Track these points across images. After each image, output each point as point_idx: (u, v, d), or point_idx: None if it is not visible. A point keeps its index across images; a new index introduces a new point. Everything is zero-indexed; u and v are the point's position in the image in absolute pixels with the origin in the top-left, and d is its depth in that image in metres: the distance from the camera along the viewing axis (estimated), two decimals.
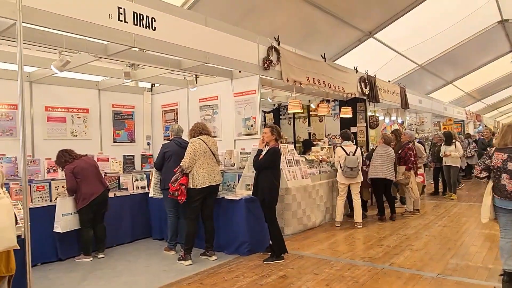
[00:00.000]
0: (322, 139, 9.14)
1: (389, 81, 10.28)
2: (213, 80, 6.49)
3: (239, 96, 6.25)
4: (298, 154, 8.22)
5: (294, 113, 10.12)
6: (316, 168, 7.33)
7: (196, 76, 6.47)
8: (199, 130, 5.13)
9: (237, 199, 5.19)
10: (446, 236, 5.97)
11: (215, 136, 6.40)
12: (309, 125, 10.22)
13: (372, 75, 9.37)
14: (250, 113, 6.11)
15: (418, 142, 10.26)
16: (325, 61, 7.69)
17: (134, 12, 4.27)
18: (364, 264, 4.77)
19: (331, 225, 6.87)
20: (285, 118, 10.55)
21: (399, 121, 10.98)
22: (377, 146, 7.50)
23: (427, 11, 9.84)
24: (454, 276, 4.27)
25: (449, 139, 9.16)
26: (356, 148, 6.81)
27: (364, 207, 7.67)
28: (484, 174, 3.97)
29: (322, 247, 5.61)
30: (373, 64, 11.23)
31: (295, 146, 10.19)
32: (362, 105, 9.12)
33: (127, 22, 4.20)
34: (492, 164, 3.83)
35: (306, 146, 8.94)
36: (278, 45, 6.37)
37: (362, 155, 7.76)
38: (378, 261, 4.86)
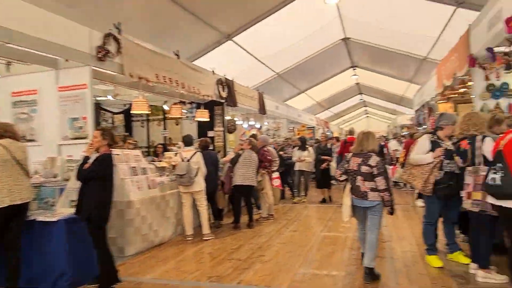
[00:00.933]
0: (178, 143, 8.40)
1: (247, 87, 10.20)
2: (31, 69, 5.09)
3: (66, 91, 5.02)
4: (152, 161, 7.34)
5: (148, 115, 9.14)
6: (168, 176, 6.56)
7: (8, 62, 5.01)
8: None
9: (54, 220, 4.05)
10: (296, 242, 5.89)
11: (31, 140, 5.04)
12: (165, 128, 9.37)
13: (231, 79, 9.09)
14: (79, 112, 4.95)
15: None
16: (179, 58, 6.99)
17: None
18: (211, 285, 4.21)
19: (182, 239, 6.18)
20: (138, 121, 9.45)
21: (257, 126, 11.05)
22: (242, 151, 7.10)
23: (283, 21, 10.11)
24: None
25: (304, 144, 9.41)
26: (194, 154, 6.22)
27: (219, 216, 7.24)
28: (344, 177, 4.40)
29: (167, 267, 4.85)
30: (233, 68, 11.03)
31: (150, 152, 9.25)
32: (220, 109, 8.73)
33: None
34: (350, 167, 4.27)
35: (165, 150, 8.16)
36: (119, 33, 5.40)
37: (218, 160, 7.34)
38: (226, 279, 4.36)
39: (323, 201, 9.27)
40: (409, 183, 4.70)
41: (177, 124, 9.24)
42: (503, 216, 3.48)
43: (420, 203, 8.39)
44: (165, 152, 7.75)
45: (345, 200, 4.34)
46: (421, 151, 4.56)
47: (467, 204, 4.15)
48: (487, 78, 5.39)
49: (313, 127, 18.78)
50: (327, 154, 9.41)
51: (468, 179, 4.14)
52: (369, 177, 4.09)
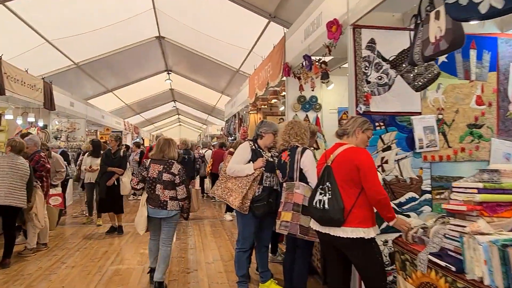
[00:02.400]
0: None
1: (26, 71, 7.60)
2: None
3: None
4: None
5: None
6: None
7: None
8: None
9: None
10: (71, 285, 4.16)
11: None
12: None
13: None
14: None
15: (62, 152, 8.17)
16: None
17: None
18: None
19: None
20: None
21: (40, 124, 8.44)
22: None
23: None
24: None
25: (97, 149, 7.45)
26: None
27: None
28: (141, 185, 4.08)
29: None
30: (7, 43, 8.21)
31: None
32: None
33: None
34: (149, 175, 3.97)
35: None
36: None
37: None
38: None
39: (112, 230, 6.64)
40: (222, 199, 3.76)
41: None
42: (327, 245, 2.85)
43: (228, 217, 7.82)
44: None
45: (141, 211, 3.99)
46: (241, 160, 3.71)
47: (276, 225, 3.48)
48: (301, 88, 5.09)
49: (121, 131, 16.60)
50: (119, 164, 6.71)
51: (283, 197, 3.49)
52: (170, 185, 3.92)
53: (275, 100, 6.98)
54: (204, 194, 11.43)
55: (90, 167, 7.18)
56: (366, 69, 3.47)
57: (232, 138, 12.20)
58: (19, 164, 4.84)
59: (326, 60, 4.20)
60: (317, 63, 4.24)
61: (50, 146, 7.34)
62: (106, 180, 6.55)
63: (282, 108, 7.94)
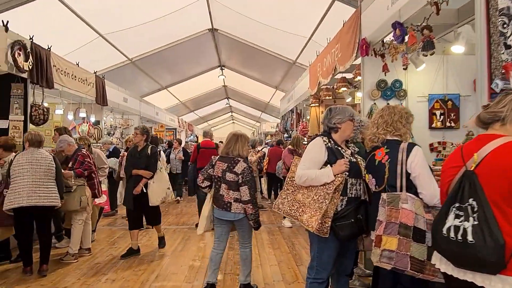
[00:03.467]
0: None
1: (78, 64, 7.21)
2: None
3: None
4: None
5: None
6: None
7: None
8: None
9: None
10: None
11: None
12: None
13: (46, 47, 6.06)
14: None
15: (114, 148, 7.73)
16: None
17: None
18: None
19: None
20: None
21: (92, 120, 8.08)
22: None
23: None
24: None
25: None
26: None
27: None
28: (206, 183, 3.74)
29: None
30: (67, 42, 7.94)
31: None
32: (20, 88, 5.63)
33: None
34: (214, 173, 3.65)
35: None
36: None
37: None
38: None
39: (130, 252, 4.97)
40: (292, 218, 2.77)
41: None
42: None
43: (288, 223, 6.87)
44: None
45: (204, 210, 3.75)
46: (314, 164, 2.72)
47: (374, 255, 2.39)
48: (385, 69, 3.98)
49: (175, 128, 16.32)
50: (146, 165, 4.96)
51: (381, 213, 2.43)
52: (234, 185, 3.52)
53: (344, 89, 5.86)
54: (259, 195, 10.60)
55: None
56: (504, 27, 2.32)
57: (287, 135, 11.22)
58: (40, 158, 4.23)
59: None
60: (414, 31, 3.11)
61: (102, 142, 6.87)
62: (133, 187, 4.92)
63: (349, 99, 6.81)
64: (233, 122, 32.68)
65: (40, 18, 6.95)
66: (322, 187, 2.62)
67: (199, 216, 7.45)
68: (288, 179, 2.89)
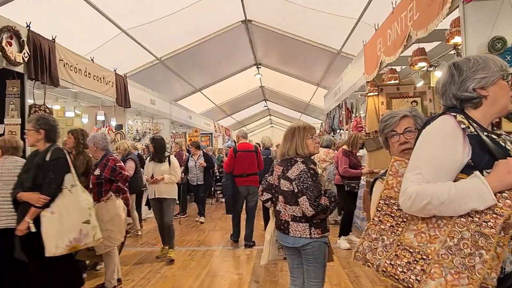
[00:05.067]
0: None
1: (92, 60, 6.19)
2: None
3: None
4: None
5: None
6: None
7: None
8: None
9: None
10: None
11: None
12: None
13: (51, 38, 5.05)
14: None
15: (137, 156, 6.64)
16: None
17: None
18: None
19: None
20: None
21: (113, 123, 7.04)
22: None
23: None
24: None
25: (161, 150, 5.05)
26: None
27: None
28: (266, 195, 2.73)
29: None
30: (90, 40, 7.02)
31: None
32: (16, 85, 4.63)
33: None
34: (273, 181, 2.70)
35: None
36: None
37: None
38: None
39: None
40: (394, 280, 1.34)
41: None
42: None
43: (344, 243, 5.33)
44: None
45: (266, 232, 2.79)
46: (442, 169, 1.28)
47: None
48: None
49: (211, 133, 15.23)
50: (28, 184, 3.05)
51: None
52: (290, 197, 2.48)
53: (423, 65, 4.23)
54: None
55: (152, 176, 4.91)
56: None
57: (333, 135, 9.66)
58: (13, 168, 3.14)
59: None
60: None
61: (117, 145, 5.78)
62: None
63: (420, 83, 5.20)
64: (271, 126, 31.33)
65: (57, 14, 6.01)
66: (467, 219, 1.17)
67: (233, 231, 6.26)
68: (382, 202, 1.45)
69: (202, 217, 7.56)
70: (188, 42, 9.75)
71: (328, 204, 2.41)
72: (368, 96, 5.66)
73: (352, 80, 6.83)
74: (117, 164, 3.81)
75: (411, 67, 4.25)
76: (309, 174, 2.41)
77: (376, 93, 5.59)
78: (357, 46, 7.22)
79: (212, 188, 9.82)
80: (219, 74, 13.15)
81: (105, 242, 3.48)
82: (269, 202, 2.74)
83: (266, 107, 20.98)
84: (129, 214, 4.02)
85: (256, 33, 10.42)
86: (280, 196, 2.60)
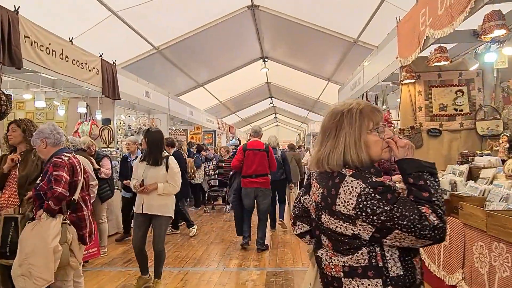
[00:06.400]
0: None
1: (71, 41, 5.13)
2: None
3: None
4: None
5: None
6: None
7: None
8: None
9: None
10: None
11: None
12: None
13: (14, 10, 3.99)
14: None
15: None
16: None
17: None
18: None
19: None
20: None
21: (98, 117, 5.98)
22: None
23: None
24: None
25: (155, 149, 3.98)
26: None
27: None
28: (300, 226, 1.57)
29: None
30: (72, 24, 5.96)
31: None
32: None
33: None
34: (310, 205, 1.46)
35: None
36: None
37: None
38: None
39: None
40: None
41: None
42: None
43: None
44: None
45: (305, 281, 1.53)
46: None
47: None
48: None
49: (214, 131, 14.15)
50: None
51: None
52: (343, 242, 1.27)
53: (501, 32, 2.98)
54: None
55: (142, 183, 3.58)
56: None
57: None
58: None
59: None
60: None
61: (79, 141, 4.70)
62: None
63: (474, 66, 4.07)
64: (277, 125, 30.24)
65: None
66: None
67: (237, 233, 5.20)
68: None
69: (192, 228, 6.10)
70: (189, 29, 8.67)
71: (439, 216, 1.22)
72: (402, 84, 4.54)
73: (377, 68, 5.72)
74: (54, 172, 2.62)
75: (482, 37, 3.09)
76: (380, 198, 1.19)
77: (413, 80, 4.47)
78: (377, 35, 6.15)
79: (207, 194, 8.69)
80: (223, 68, 12.07)
81: (26, 282, 2.39)
82: (308, 237, 1.58)
83: (272, 105, 19.89)
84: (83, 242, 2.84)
85: (263, 21, 9.32)
86: (323, 237, 1.37)
